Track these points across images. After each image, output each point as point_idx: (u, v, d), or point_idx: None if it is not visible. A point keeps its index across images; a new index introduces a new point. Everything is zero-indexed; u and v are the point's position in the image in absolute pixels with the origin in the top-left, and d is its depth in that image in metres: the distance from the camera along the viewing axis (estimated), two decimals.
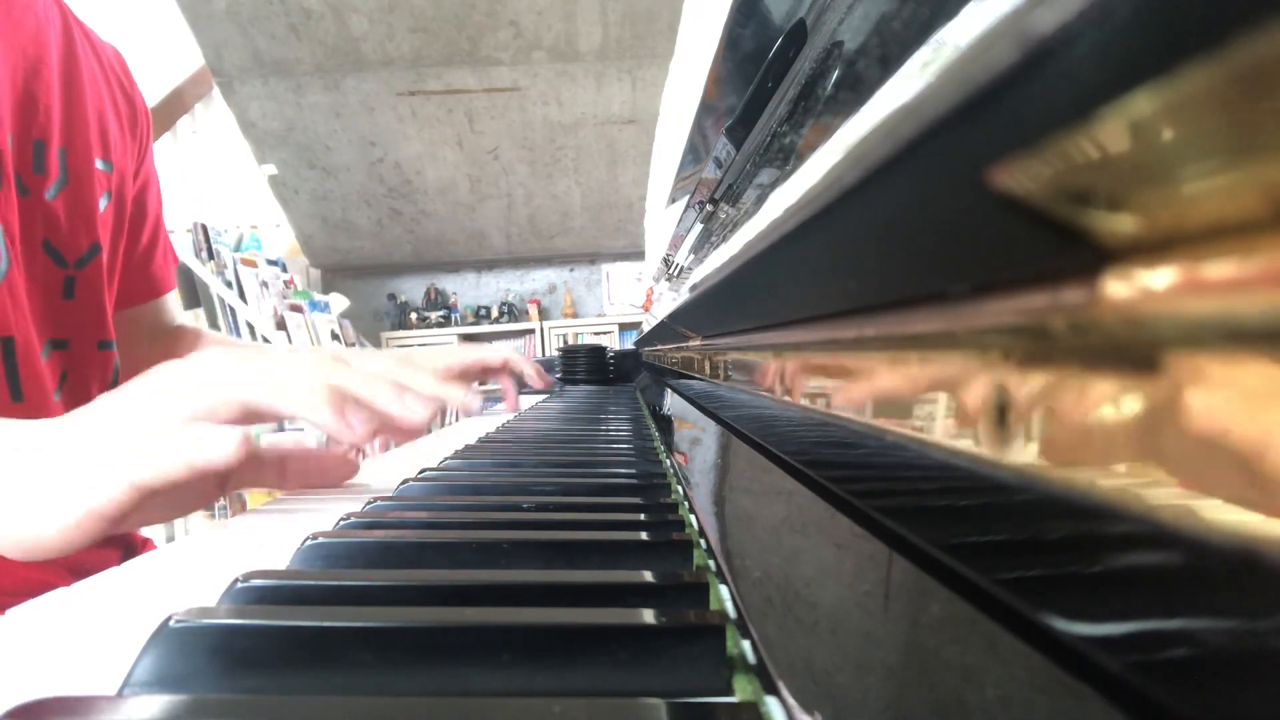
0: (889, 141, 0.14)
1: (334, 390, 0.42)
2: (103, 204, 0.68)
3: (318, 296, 3.77)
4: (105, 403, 0.41)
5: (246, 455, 0.38)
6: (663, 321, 0.88)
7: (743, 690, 0.20)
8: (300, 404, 0.41)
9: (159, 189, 0.81)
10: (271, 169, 3.47)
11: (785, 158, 0.27)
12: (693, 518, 0.38)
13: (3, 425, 0.41)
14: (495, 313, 4.36)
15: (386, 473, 0.61)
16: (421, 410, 0.45)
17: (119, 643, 0.25)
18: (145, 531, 0.75)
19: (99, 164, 0.67)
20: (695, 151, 0.46)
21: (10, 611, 0.29)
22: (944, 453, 0.17)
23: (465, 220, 3.92)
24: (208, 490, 0.46)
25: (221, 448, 0.37)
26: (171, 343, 0.82)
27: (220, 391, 0.40)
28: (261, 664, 0.21)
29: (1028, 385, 0.13)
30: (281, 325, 3.27)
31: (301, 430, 3.31)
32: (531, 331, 4.33)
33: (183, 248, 2.95)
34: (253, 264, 3.27)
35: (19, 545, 0.37)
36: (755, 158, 0.34)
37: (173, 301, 0.84)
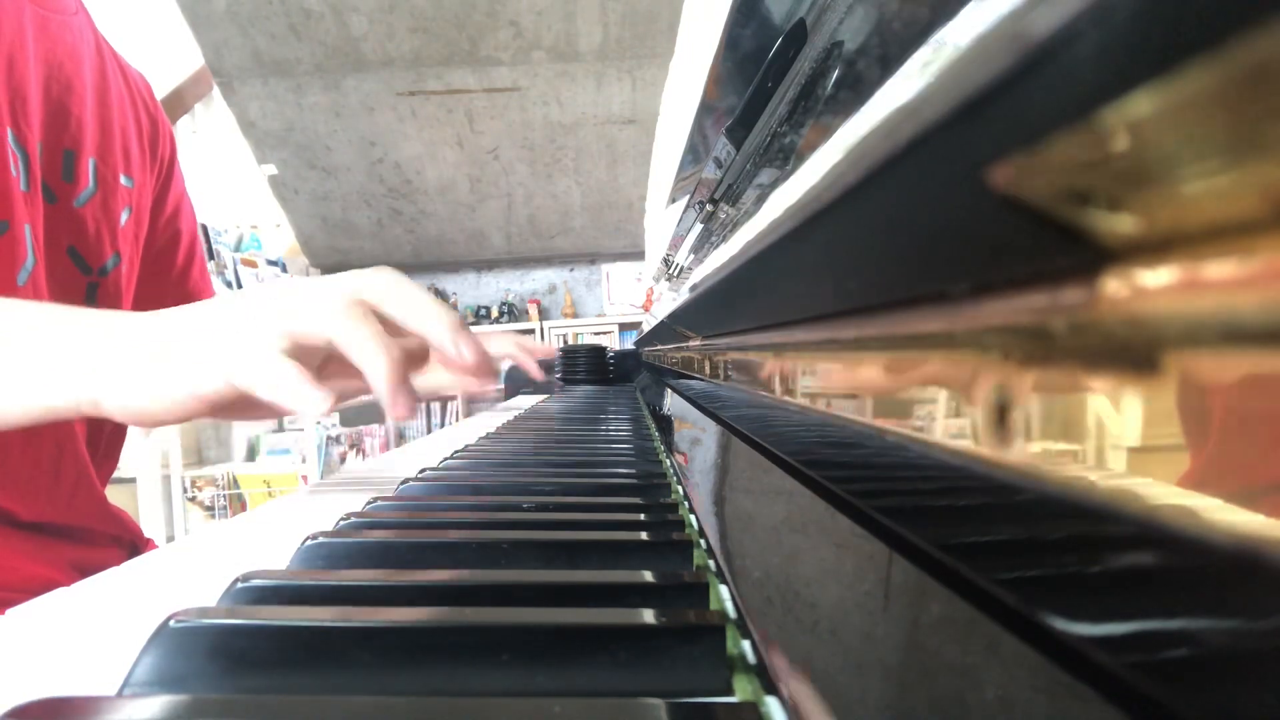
0: (889, 141, 0.14)
1: (453, 320, 0.45)
2: (124, 218, 0.71)
3: None
4: (209, 305, 0.45)
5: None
6: (663, 321, 0.88)
7: (743, 690, 0.20)
8: (433, 325, 0.44)
9: (192, 209, 0.84)
10: (271, 169, 3.47)
11: (785, 158, 0.26)
12: (693, 518, 0.38)
13: (110, 314, 0.46)
14: (495, 313, 4.36)
15: (387, 472, 0.61)
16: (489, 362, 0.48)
17: (119, 643, 0.25)
18: (146, 531, 0.75)
19: (123, 179, 0.70)
20: (695, 151, 0.46)
21: (11, 611, 0.29)
22: (944, 453, 0.17)
23: (465, 220, 3.92)
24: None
25: (312, 406, 0.40)
26: None
27: (343, 290, 0.42)
28: (261, 664, 0.21)
29: (1028, 385, 0.13)
30: None
31: (301, 431, 3.30)
32: (531, 332, 4.33)
33: None
34: (253, 264, 3.27)
35: (128, 412, 0.42)
36: (755, 158, 0.34)
37: None
